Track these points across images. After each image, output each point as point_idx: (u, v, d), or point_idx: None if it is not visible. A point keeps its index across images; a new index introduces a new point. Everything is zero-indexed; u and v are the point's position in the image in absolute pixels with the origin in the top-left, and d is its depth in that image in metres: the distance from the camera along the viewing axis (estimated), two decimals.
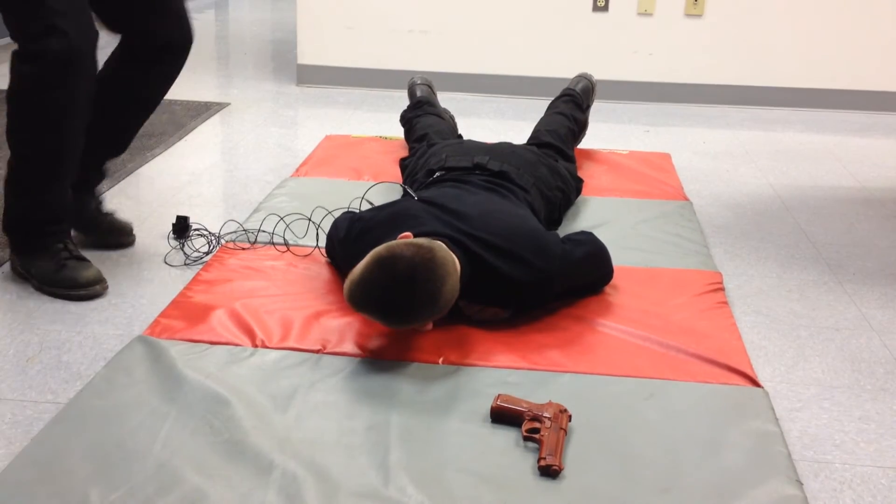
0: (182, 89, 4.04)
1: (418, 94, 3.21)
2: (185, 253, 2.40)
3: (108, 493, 1.42)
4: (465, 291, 1.91)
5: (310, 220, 2.45)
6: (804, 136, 3.77)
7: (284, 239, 2.41)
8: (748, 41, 4.17)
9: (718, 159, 3.43)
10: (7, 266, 2.31)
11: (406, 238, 1.85)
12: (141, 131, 2.49)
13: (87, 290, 2.14)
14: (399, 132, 3.20)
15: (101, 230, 2.41)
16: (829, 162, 3.42)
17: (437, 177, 2.34)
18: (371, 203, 2.32)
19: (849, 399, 1.83)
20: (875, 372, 1.94)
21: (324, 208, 2.47)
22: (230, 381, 1.75)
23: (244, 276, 2.20)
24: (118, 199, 2.81)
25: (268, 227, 2.48)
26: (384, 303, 1.77)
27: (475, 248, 1.92)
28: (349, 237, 2.12)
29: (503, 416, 1.64)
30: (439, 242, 1.85)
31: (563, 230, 2.43)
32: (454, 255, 1.86)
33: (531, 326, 1.98)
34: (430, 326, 1.87)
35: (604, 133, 3.68)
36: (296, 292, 2.12)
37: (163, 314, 2.00)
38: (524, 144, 2.72)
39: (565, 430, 1.58)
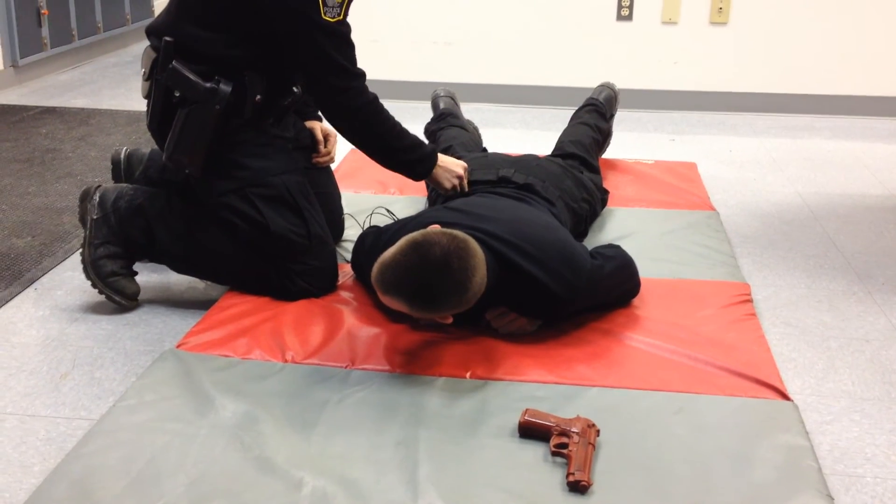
0: None
1: (441, 106, 3.21)
2: None
3: None
4: (495, 297, 1.91)
5: None
6: (832, 144, 3.74)
7: None
8: (773, 48, 4.15)
9: (745, 168, 3.41)
10: (39, 285, 2.35)
11: (436, 228, 1.86)
12: None
13: (128, 301, 2.20)
14: None
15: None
16: (858, 169, 3.40)
17: None
18: (394, 216, 2.33)
19: (880, 412, 1.82)
20: None
21: (353, 217, 2.48)
22: (260, 397, 1.76)
23: None
24: None
25: None
26: (415, 287, 1.76)
27: (506, 251, 1.91)
28: (375, 248, 2.12)
29: (531, 431, 1.64)
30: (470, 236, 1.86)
31: (589, 242, 2.43)
32: (483, 253, 1.86)
33: (558, 340, 1.98)
34: (450, 320, 1.87)
35: (629, 143, 3.67)
36: (324, 307, 2.13)
37: (194, 329, 2.02)
38: (549, 156, 2.72)
39: (594, 445, 1.58)
